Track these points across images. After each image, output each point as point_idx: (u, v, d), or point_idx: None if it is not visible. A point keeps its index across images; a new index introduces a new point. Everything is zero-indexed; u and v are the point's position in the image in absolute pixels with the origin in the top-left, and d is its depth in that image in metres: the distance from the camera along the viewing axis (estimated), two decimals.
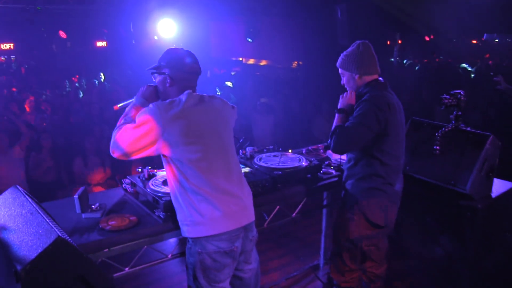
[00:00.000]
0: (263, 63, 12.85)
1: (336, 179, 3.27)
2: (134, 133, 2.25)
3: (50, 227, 1.63)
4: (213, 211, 2.30)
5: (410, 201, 3.42)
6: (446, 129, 3.20)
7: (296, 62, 11.76)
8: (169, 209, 2.49)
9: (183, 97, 2.35)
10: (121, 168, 6.13)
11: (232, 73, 10.88)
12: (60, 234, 1.57)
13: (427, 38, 12.85)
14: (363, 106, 2.76)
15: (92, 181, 5.92)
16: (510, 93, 5.39)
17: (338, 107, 2.97)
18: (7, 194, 2.07)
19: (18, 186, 2.13)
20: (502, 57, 12.88)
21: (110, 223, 2.49)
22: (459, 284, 3.18)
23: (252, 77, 10.67)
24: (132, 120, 2.34)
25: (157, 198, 2.58)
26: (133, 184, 2.86)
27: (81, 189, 2.70)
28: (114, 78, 10.47)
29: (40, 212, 1.81)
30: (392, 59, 10.75)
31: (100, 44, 13.02)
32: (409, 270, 3.46)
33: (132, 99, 2.56)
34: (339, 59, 2.97)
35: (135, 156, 2.31)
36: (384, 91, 2.83)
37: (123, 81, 10.16)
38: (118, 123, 2.39)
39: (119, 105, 2.70)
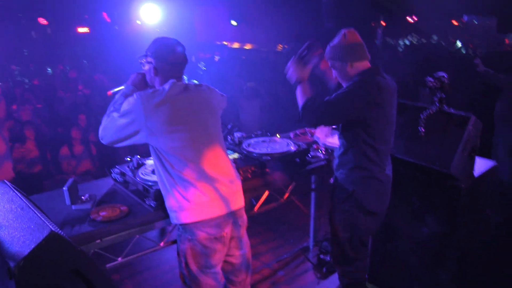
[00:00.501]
0: (247, 47, 12.77)
1: (324, 162, 3.31)
2: (119, 122, 2.29)
3: (42, 222, 1.64)
4: (200, 196, 2.33)
5: (397, 182, 3.48)
6: (430, 111, 3.25)
7: (281, 45, 11.72)
8: (160, 197, 2.51)
9: (166, 86, 2.37)
10: (108, 157, 6.12)
11: (216, 58, 10.80)
12: (53, 229, 1.57)
13: (410, 20, 12.88)
14: (351, 85, 2.70)
15: (79, 171, 5.91)
16: (488, 76, 5.48)
17: (294, 78, 2.86)
18: None
19: (5, 181, 2.13)
20: (482, 40, 13.00)
21: (101, 214, 2.51)
22: (446, 262, 3.26)
23: (238, 61, 10.62)
24: (119, 108, 2.36)
25: (147, 187, 2.60)
26: (122, 174, 2.87)
27: (70, 180, 2.70)
28: (98, 65, 10.33)
29: (31, 207, 1.81)
30: (377, 41, 10.77)
31: (81, 30, 12.81)
32: (397, 250, 3.53)
33: (123, 86, 2.57)
34: (327, 51, 2.88)
35: (121, 144, 2.36)
36: (377, 76, 2.76)
37: (107, 68, 10.02)
38: (108, 110, 2.41)
39: (112, 91, 2.70)
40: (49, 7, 10.57)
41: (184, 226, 2.38)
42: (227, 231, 2.45)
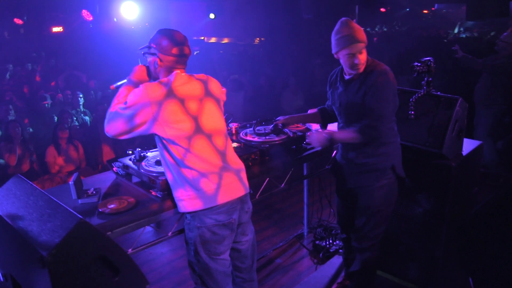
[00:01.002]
0: (225, 41, 12.80)
1: (319, 148, 3.40)
2: (125, 114, 2.32)
3: (68, 211, 1.68)
4: (208, 184, 2.39)
5: None
6: (419, 95, 3.37)
7: (258, 39, 11.79)
8: (167, 187, 2.56)
9: (171, 77, 2.42)
10: (94, 155, 6.12)
11: (195, 53, 10.81)
12: (80, 217, 1.62)
13: (382, 10, 13.12)
14: (380, 81, 2.79)
15: (66, 170, 5.88)
16: (467, 61, 5.68)
17: (324, 142, 2.97)
18: (10, 184, 2.09)
19: (20, 175, 2.15)
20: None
21: (109, 206, 2.53)
22: (437, 239, 3.40)
23: (216, 55, 10.65)
24: (124, 101, 2.39)
25: (153, 178, 2.64)
26: (125, 167, 2.89)
27: (75, 175, 2.72)
28: (75, 64, 10.20)
29: (52, 198, 1.85)
30: None
31: (56, 29, 12.60)
32: (390, 230, 3.65)
33: (126, 80, 2.61)
34: (339, 41, 2.82)
35: (127, 136, 2.39)
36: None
37: (86, 67, 9.92)
38: (112, 103, 2.44)
39: (114, 85, 2.74)
40: (20, 6, 10.35)
41: (192, 214, 2.44)
42: (235, 217, 2.51)
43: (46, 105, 6.98)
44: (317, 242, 4.30)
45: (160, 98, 2.32)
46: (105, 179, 3.00)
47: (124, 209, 2.51)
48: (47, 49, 11.48)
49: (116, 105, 2.41)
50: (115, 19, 9.26)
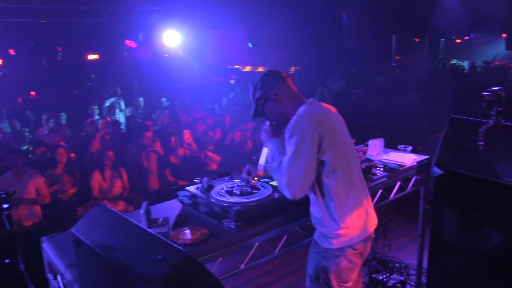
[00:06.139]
0: (260, 69, 12.88)
1: (385, 179, 3.31)
2: (301, 154, 2.29)
3: (169, 244, 1.62)
4: (355, 220, 2.44)
5: (451, 197, 3.49)
6: (489, 125, 3.26)
7: (293, 68, 11.83)
8: (241, 218, 2.50)
9: (312, 104, 2.48)
10: (140, 182, 6.12)
11: (231, 81, 10.89)
12: (184, 250, 1.55)
13: (416, 40, 13.07)
14: None
15: (110, 196, 5.88)
16: None
17: None
18: (95, 213, 2.05)
19: (102, 204, 2.11)
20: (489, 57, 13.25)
21: (181, 237, 2.47)
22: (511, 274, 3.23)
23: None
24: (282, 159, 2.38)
25: (226, 208, 2.57)
26: (193, 196, 2.84)
27: (144, 204, 2.67)
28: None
29: (147, 229, 1.79)
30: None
31: (91, 57, 12.87)
32: (455, 265, 3.49)
33: (263, 151, 2.65)
34: None
35: (312, 177, 2.35)
36: None
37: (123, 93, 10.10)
38: (274, 169, 2.44)
39: (259, 167, 2.74)
40: (60, 33, 10.63)
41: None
42: (369, 244, 2.58)
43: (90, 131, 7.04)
44: (373, 275, 4.15)
45: (319, 124, 2.35)
46: (171, 208, 2.94)
47: (198, 240, 2.44)
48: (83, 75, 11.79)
49: (281, 163, 2.37)
50: (154, 50, 9.51)
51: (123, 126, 7.55)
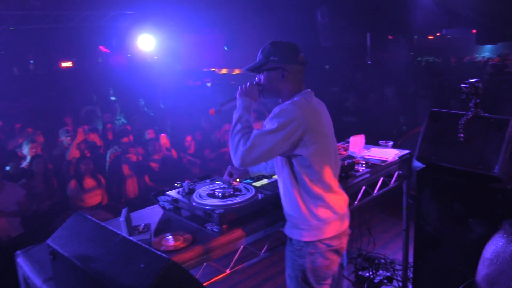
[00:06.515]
0: (236, 72, 12.81)
1: (368, 175, 3.28)
2: (276, 135, 2.22)
3: (152, 251, 1.56)
4: (329, 214, 2.39)
5: (436, 190, 3.49)
6: (468, 117, 3.27)
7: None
8: (225, 221, 2.44)
9: (309, 94, 2.42)
10: (119, 189, 6.00)
11: (208, 85, 10.82)
12: (168, 257, 1.49)
13: (390, 37, 13.18)
14: None
15: (89, 205, 5.74)
16: None
17: None
18: (71, 222, 1.97)
19: (80, 212, 2.03)
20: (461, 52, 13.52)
21: (164, 243, 2.40)
22: None
23: (229, 86, 10.68)
24: (250, 124, 2.33)
25: (209, 211, 2.51)
26: (174, 200, 2.77)
27: (124, 211, 2.58)
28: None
29: (128, 236, 1.72)
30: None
31: (65, 64, 12.63)
32: (441, 257, 3.50)
33: (231, 100, 2.53)
34: None
35: (268, 159, 2.39)
36: None
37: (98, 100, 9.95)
38: (236, 130, 2.32)
39: (217, 109, 2.59)
40: (31, 41, 10.37)
41: (307, 241, 2.41)
42: (344, 241, 2.52)
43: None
44: (360, 272, 4.14)
45: (312, 115, 2.31)
46: (152, 214, 2.86)
47: (181, 246, 2.37)
48: (56, 84, 11.54)
49: (250, 131, 2.29)
50: (128, 55, 9.36)
51: (100, 133, 7.40)
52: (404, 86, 8.20)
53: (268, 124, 2.27)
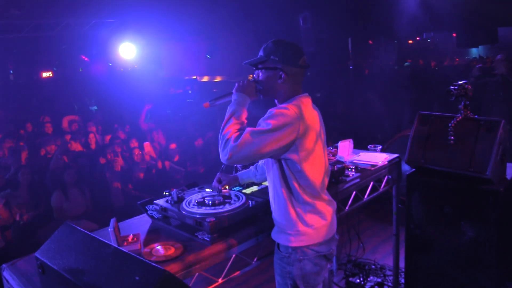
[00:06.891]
0: (217, 79, 12.75)
1: (358, 180, 3.25)
2: (269, 136, 2.16)
3: (145, 263, 1.49)
4: (319, 220, 2.36)
5: (426, 193, 3.48)
6: (457, 119, 3.27)
7: (251, 75, 11.72)
8: (216, 229, 2.37)
9: (305, 98, 2.38)
10: (103, 198, 5.89)
11: (190, 92, 10.75)
12: (163, 269, 1.43)
13: (370, 42, 13.29)
14: None
15: (73, 215, 5.62)
16: None
17: None
18: (60, 234, 1.89)
19: (68, 223, 1.95)
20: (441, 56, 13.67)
21: (154, 253, 2.32)
22: (487, 268, 3.23)
23: (210, 93, 10.61)
24: (243, 120, 2.30)
25: (199, 220, 2.44)
26: (163, 209, 2.69)
27: (112, 221, 2.49)
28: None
29: (119, 248, 1.65)
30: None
31: (45, 74, 12.40)
32: (432, 261, 3.48)
33: (226, 95, 2.48)
34: None
35: (257, 159, 2.40)
36: None
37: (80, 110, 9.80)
38: (228, 125, 2.27)
39: (211, 102, 2.53)
40: (11, 51, 10.16)
41: (295, 248, 2.36)
42: (334, 247, 2.48)
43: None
44: (350, 279, 4.10)
45: (307, 120, 2.27)
46: (140, 224, 2.78)
47: (173, 256, 2.30)
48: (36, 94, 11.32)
49: (242, 127, 2.25)
50: (109, 64, 9.23)
51: (82, 142, 7.26)
52: (386, 90, 8.25)
53: (262, 124, 2.22)
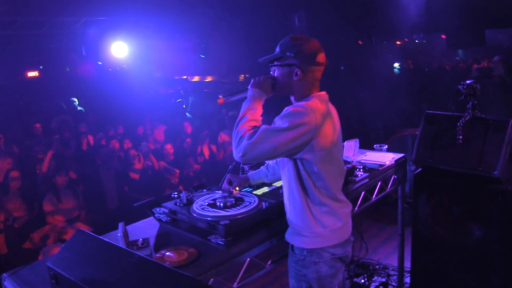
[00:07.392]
0: (208, 79, 12.64)
1: (367, 180, 3.20)
2: (284, 135, 2.10)
3: (176, 272, 1.41)
4: (335, 222, 2.30)
5: (433, 193, 3.45)
6: (466, 119, 3.24)
7: (243, 75, 11.67)
8: (230, 233, 2.30)
9: (324, 96, 2.34)
10: (98, 201, 5.77)
11: (182, 92, 10.64)
12: (199, 279, 1.35)
13: (360, 42, 13.29)
14: None
15: (67, 218, 5.48)
16: None
17: None
18: (74, 242, 1.79)
19: (81, 230, 1.85)
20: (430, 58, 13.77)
21: (167, 259, 2.24)
22: (495, 268, 3.21)
23: (201, 93, 10.55)
24: (258, 117, 2.24)
25: (213, 223, 2.36)
26: (173, 212, 2.60)
27: (121, 225, 2.40)
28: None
29: (144, 256, 1.56)
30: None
31: (31, 74, 12.15)
32: (439, 260, 3.45)
33: (241, 90, 2.41)
34: None
35: (272, 158, 2.32)
36: None
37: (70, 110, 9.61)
38: (242, 122, 2.20)
39: (226, 98, 2.45)
40: None
41: (310, 250, 2.31)
42: (349, 249, 2.43)
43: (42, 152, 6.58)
44: (354, 279, 4.05)
45: (324, 120, 2.21)
46: (147, 227, 2.69)
47: (187, 262, 2.21)
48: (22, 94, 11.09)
49: (257, 124, 2.20)
50: (99, 63, 9.07)
51: (75, 144, 7.11)
52: (378, 91, 8.27)
53: (278, 122, 2.16)
